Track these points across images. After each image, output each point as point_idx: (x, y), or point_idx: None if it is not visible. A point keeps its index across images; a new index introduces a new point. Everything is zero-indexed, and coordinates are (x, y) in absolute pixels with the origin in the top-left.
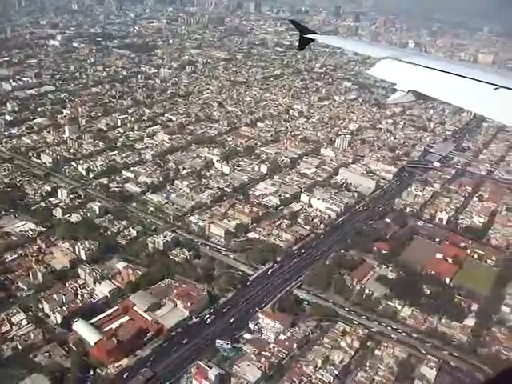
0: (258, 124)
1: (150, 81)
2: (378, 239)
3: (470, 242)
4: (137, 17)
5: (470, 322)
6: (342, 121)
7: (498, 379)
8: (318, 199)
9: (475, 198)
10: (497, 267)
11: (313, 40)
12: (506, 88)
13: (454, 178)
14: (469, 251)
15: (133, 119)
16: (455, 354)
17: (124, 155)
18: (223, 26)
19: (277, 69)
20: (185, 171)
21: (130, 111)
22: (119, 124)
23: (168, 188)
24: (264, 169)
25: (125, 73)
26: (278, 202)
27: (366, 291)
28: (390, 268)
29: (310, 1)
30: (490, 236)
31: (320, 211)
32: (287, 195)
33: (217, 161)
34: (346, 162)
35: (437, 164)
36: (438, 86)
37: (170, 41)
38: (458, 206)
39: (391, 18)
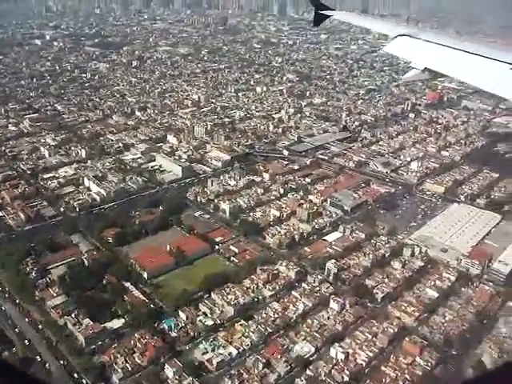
0: (137, 113)
1: (83, 75)
2: (112, 226)
3: (232, 237)
4: (145, 19)
5: (114, 324)
6: (233, 110)
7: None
8: (94, 183)
9: (301, 192)
10: (238, 267)
11: (328, 16)
12: None
13: (302, 168)
14: (217, 247)
15: (19, 108)
16: None
17: None
18: (224, 26)
19: (228, 63)
20: (9, 154)
21: (28, 101)
22: (2, 113)
23: None
24: (83, 154)
25: (68, 67)
26: (57, 185)
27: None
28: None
29: (350, 4)
30: (269, 233)
31: (88, 195)
32: (75, 178)
33: (45, 146)
34: (186, 148)
35: (285, 153)
36: (453, 64)
37: (150, 39)
38: (273, 198)
39: (414, 18)
